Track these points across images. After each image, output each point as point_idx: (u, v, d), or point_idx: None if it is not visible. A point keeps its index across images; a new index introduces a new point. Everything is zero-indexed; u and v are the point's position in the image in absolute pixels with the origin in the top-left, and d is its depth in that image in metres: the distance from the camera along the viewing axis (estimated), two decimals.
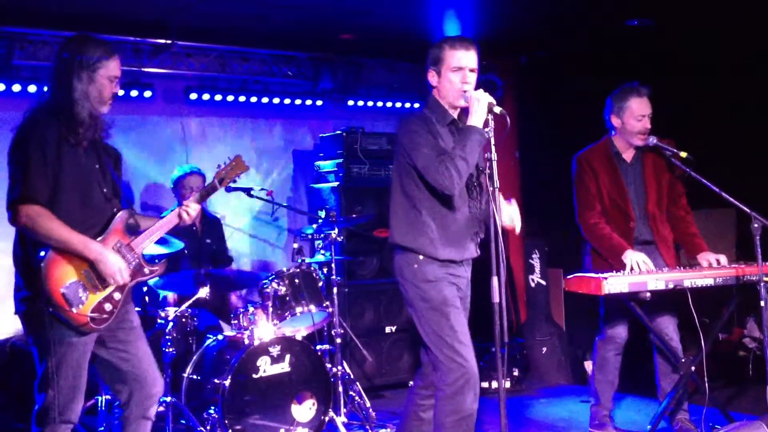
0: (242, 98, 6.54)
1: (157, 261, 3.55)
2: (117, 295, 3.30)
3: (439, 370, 3.59)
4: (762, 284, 4.07)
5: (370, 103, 7.15)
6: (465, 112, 3.66)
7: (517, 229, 3.77)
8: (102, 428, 4.45)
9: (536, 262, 6.92)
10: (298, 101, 6.83)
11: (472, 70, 3.64)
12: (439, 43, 3.67)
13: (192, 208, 3.53)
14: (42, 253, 3.13)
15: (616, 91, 4.61)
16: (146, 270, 3.44)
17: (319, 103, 6.91)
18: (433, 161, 3.51)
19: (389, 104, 7.26)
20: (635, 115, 4.51)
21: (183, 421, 4.62)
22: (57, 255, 3.15)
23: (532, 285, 6.89)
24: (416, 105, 7.38)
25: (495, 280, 3.39)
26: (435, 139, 3.60)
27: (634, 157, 4.66)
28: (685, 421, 4.66)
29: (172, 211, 3.56)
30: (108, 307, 3.26)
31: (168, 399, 4.43)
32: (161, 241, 3.98)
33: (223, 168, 3.73)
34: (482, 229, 3.77)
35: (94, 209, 3.30)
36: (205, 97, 6.40)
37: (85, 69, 3.25)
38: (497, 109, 3.52)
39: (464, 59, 3.61)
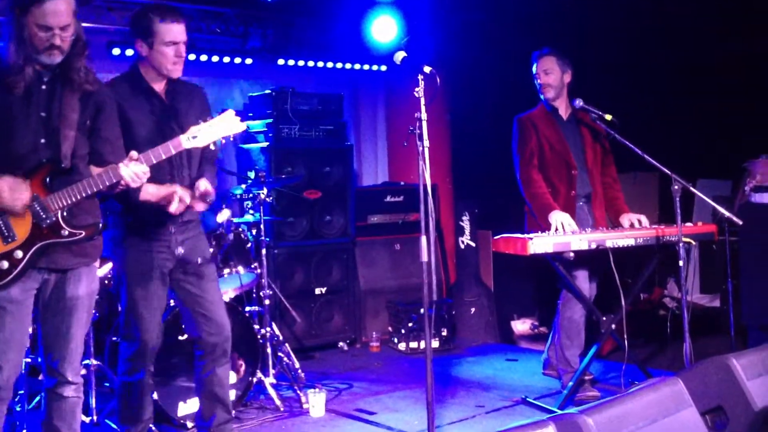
0: None
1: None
2: (18, 254, 3.09)
3: None
4: (681, 244, 4.18)
5: (301, 63, 7.01)
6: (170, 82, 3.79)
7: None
8: (22, 392, 4.32)
9: (466, 224, 6.99)
10: (226, 59, 6.64)
11: (184, 43, 3.76)
12: (146, 14, 3.80)
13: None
14: None
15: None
16: (65, 232, 3.16)
17: (248, 61, 6.74)
18: None
19: (320, 64, 7.14)
20: (536, 73, 4.79)
21: (107, 384, 4.54)
22: None
23: (462, 247, 6.97)
24: (347, 65, 7.30)
25: (423, 239, 3.40)
26: None
27: (569, 116, 4.82)
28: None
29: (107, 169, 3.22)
30: (5, 264, 3.07)
31: (91, 362, 4.34)
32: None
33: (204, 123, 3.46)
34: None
35: (16, 156, 3.10)
36: (129, 52, 6.15)
37: (16, 11, 3.08)
38: (427, 69, 3.50)
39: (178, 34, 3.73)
